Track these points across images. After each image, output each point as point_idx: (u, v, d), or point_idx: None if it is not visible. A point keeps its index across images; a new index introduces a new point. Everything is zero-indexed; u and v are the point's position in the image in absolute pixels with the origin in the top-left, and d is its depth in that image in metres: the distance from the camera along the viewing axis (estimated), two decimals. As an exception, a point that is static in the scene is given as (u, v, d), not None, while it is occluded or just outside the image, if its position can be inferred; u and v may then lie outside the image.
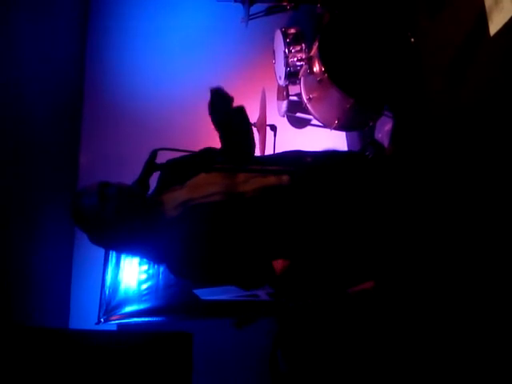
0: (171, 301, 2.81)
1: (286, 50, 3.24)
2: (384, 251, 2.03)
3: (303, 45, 3.25)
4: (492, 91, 2.31)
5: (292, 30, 3.32)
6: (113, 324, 3.02)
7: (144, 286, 2.89)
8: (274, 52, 3.52)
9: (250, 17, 3.64)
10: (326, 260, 1.88)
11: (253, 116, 3.22)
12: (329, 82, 2.74)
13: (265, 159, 2.21)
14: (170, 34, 4.01)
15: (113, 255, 3.05)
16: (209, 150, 1.92)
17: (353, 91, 2.73)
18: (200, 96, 3.86)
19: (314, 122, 3.36)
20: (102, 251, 3.08)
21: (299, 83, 3.19)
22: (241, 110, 1.90)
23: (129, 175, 1.79)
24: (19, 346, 2.15)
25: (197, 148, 1.93)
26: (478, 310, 2.20)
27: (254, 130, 3.08)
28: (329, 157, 2.08)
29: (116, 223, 1.59)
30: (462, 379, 2.23)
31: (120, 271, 2.98)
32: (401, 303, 2.56)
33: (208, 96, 1.83)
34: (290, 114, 3.70)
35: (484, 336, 2.16)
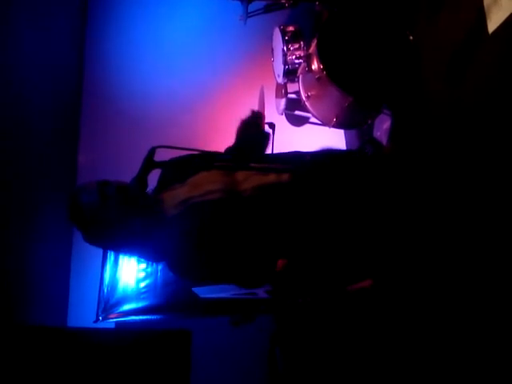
0: (170, 299, 2.81)
1: (285, 48, 3.24)
2: (383, 249, 2.03)
3: (302, 42, 3.24)
4: (491, 89, 2.31)
5: (290, 28, 3.31)
6: (111, 322, 3.01)
7: (142, 284, 2.89)
8: (272, 50, 3.52)
9: (248, 14, 3.64)
10: (324, 258, 1.88)
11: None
12: (327, 79, 2.74)
13: (264, 158, 2.22)
14: (168, 33, 4.00)
15: (111, 253, 3.05)
16: (213, 152, 1.94)
17: (351, 89, 2.73)
18: (199, 94, 3.91)
19: (313, 119, 3.36)
20: (100, 250, 3.07)
21: (298, 81, 3.19)
22: (267, 134, 2.02)
23: (128, 174, 1.79)
24: (17, 344, 2.15)
25: (196, 146, 1.93)
26: (477, 308, 2.21)
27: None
28: (328, 155, 2.09)
29: (116, 222, 1.59)
30: (462, 379, 2.24)
31: (118, 269, 2.98)
32: (399, 301, 2.57)
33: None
34: (289, 112, 3.70)
35: (484, 334, 2.16)
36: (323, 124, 3.13)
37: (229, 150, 2.04)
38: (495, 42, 2.26)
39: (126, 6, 4.05)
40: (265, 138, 2.08)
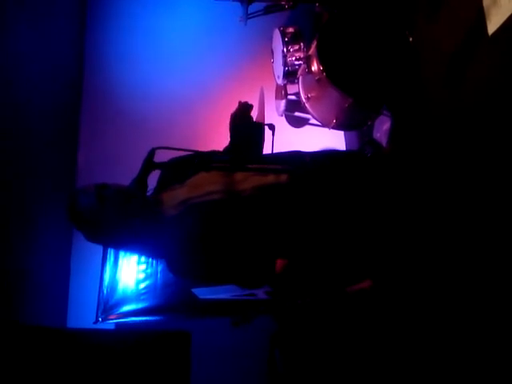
0: (169, 300, 2.81)
1: (285, 49, 3.24)
2: (382, 250, 2.03)
3: (301, 44, 3.24)
4: (491, 90, 2.31)
5: (290, 29, 3.30)
6: (111, 323, 3.02)
7: (142, 285, 2.89)
8: (272, 51, 3.52)
9: (248, 16, 3.63)
10: (324, 259, 1.88)
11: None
12: (327, 81, 2.74)
13: (263, 158, 2.22)
14: (168, 34, 4.01)
15: (111, 254, 3.05)
16: (212, 152, 1.94)
17: (351, 90, 2.73)
18: (198, 95, 3.90)
19: (313, 121, 3.36)
20: (100, 250, 3.08)
21: (297, 82, 3.18)
22: (260, 126, 1.98)
23: (127, 174, 1.79)
24: (17, 344, 2.15)
25: (195, 146, 1.94)
26: (476, 308, 2.21)
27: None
28: (327, 156, 2.09)
29: (115, 223, 1.59)
30: (462, 379, 2.24)
31: (118, 270, 2.98)
32: (399, 302, 2.57)
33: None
34: (289, 114, 3.70)
35: (484, 334, 2.16)
36: (323, 125, 3.13)
37: (227, 149, 2.04)
38: (495, 43, 2.26)
39: (126, 6, 4.05)
40: (258, 128, 2.08)
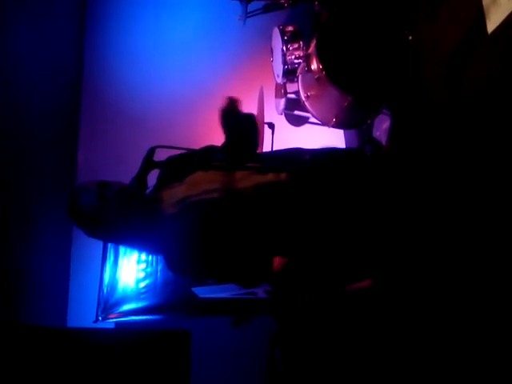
0: (169, 299, 2.81)
1: (284, 48, 3.24)
2: (382, 249, 2.03)
3: (301, 42, 3.24)
4: (490, 89, 2.31)
5: (290, 28, 3.30)
6: (111, 322, 3.02)
7: (142, 284, 2.89)
8: (271, 50, 3.52)
9: (247, 14, 3.64)
10: (324, 258, 1.88)
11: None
12: (326, 79, 2.74)
13: (263, 157, 2.22)
14: (167, 32, 4.01)
15: (111, 253, 3.05)
16: (209, 148, 1.94)
17: (351, 89, 2.73)
18: (198, 94, 3.90)
19: (312, 119, 3.36)
20: (100, 250, 3.08)
21: (297, 81, 3.19)
22: (250, 117, 1.98)
23: (127, 173, 1.79)
24: (17, 344, 2.15)
25: (195, 146, 1.94)
26: (476, 307, 2.21)
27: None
28: (327, 154, 2.09)
29: (115, 222, 1.59)
30: (462, 379, 2.23)
31: (118, 269, 2.98)
32: (398, 301, 2.57)
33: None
34: (288, 112, 3.70)
35: (484, 334, 2.16)
36: (323, 124, 3.13)
37: (224, 145, 2.03)
38: (494, 41, 2.26)
39: (125, 6, 4.06)
40: (249, 120, 2.08)
